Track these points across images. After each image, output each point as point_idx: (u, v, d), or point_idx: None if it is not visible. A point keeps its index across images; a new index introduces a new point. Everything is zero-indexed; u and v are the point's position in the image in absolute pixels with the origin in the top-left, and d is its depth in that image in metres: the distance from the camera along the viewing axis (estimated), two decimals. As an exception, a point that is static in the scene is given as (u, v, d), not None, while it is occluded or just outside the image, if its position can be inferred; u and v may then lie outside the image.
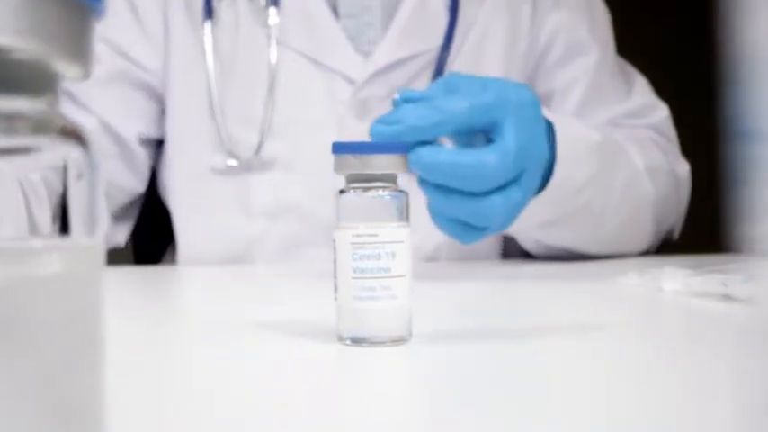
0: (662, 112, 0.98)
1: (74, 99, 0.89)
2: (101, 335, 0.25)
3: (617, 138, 0.87)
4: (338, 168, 0.47)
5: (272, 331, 0.50)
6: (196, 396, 0.37)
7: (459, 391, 0.38)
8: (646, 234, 0.90)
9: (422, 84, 0.88)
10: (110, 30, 0.90)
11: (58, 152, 0.24)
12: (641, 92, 0.98)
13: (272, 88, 0.87)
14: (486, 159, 0.61)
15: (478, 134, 0.64)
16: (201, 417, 0.35)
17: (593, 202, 0.80)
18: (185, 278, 0.85)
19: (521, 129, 0.62)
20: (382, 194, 0.46)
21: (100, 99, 0.89)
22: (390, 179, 0.47)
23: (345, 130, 0.88)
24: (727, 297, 0.59)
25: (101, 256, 0.25)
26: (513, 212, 0.64)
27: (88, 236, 0.24)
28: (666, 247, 0.94)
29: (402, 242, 0.46)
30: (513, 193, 0.63)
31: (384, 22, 0.89)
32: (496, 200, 0.62)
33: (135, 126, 0.91)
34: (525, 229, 0.81)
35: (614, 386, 0.39)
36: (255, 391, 0.38)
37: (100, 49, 0.90)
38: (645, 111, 0.97)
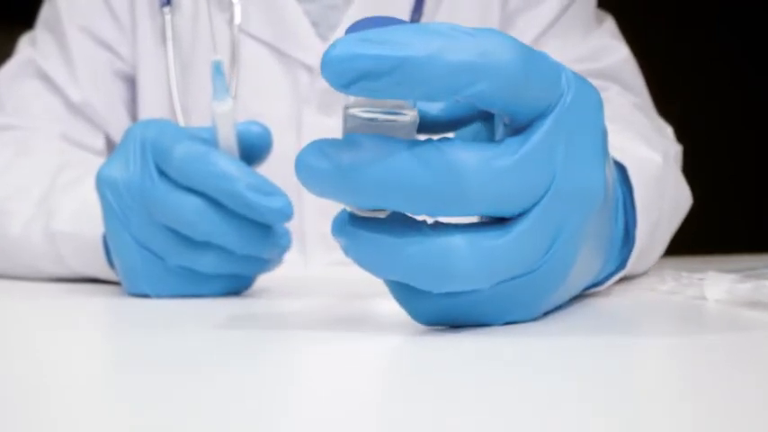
0: (617, 53, 0.85)
1: (85, 117, 0.85)
2: None
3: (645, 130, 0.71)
4: None
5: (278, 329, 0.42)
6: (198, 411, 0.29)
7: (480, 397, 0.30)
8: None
9: None
10: (83, 17, 0.85)
11: None
12: (600, 35, 0.86)
13: (232, 81, 0.80)
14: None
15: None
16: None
17: (644, 250, 0.60)
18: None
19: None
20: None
21: (106, 113, 0.86)
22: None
23: (305, 127, 0.80)
24: (786, 308, 0.50)
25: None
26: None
27: None
28: (700, 246, 0.85)
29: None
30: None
31: (348, 4, 0.82)
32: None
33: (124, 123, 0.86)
34: None
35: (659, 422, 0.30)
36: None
37: (81, 39, 0.84)
38: (597, 54, 0.84)
